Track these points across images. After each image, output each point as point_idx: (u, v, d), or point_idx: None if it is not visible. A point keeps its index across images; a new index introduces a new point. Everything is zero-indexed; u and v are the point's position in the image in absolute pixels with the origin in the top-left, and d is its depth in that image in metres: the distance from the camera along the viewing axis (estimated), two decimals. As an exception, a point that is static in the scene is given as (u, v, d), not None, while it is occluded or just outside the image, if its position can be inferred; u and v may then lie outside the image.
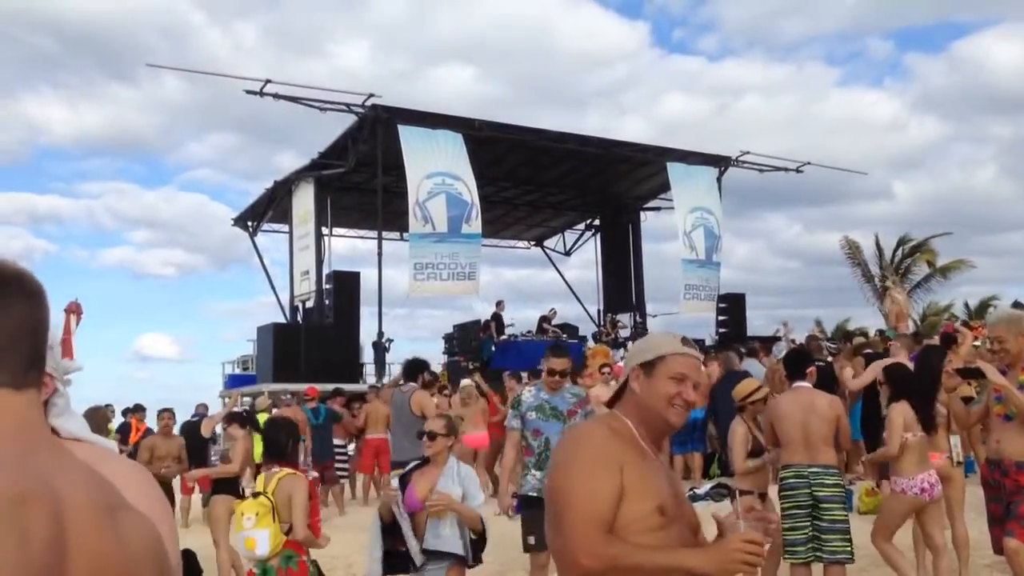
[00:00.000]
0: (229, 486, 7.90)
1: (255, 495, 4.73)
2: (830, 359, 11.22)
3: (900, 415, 5.78)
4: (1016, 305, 13.22)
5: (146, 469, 1.39)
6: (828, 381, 9.65)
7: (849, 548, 5.51)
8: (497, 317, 20.86)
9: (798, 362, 6.21)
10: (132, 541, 1.11)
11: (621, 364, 12.88)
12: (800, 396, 5.83)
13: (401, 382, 9.56)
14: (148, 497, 1.23)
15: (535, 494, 5.43)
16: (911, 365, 6.71)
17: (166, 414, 10.03)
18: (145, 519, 1.16)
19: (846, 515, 5.65)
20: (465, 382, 12.33)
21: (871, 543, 5.89)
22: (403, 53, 61.39)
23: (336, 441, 12.73)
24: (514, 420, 5.74)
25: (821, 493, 5.54)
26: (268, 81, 18.37)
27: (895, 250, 31.40)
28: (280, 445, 4.93)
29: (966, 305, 34.51)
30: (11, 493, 1.00)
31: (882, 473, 8.08)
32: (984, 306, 31.91)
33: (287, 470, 4.80)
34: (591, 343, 22.59)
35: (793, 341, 14.24)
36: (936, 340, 12.00)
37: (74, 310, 14.78)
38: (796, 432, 5.64)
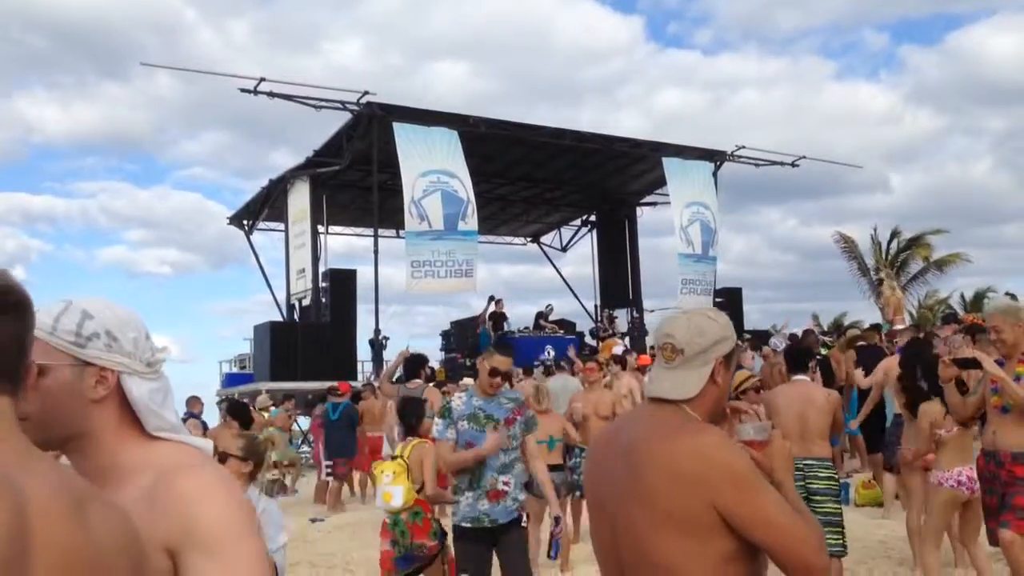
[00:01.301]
0: None
1: (393, 458, 5.77)
2: (824, 353, 11.25)
3: (927, 417, 5.90)
4: (1009, 296, 13.23)
5: (224, 476, 1.42)
6: (826, 375, 9.68)
7: (842, 541, 5.53)
8: (495, 314, 20.89)
9: (799, 356, 6.26)
10: (103, 535, 1.10)
11: (619, 353, 12.89)
12: (798, 389, 5.87)
13: (396, 377, 9.54)
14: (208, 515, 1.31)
15: (469, 524, 4.64)
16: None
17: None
18: (118, 513, 1.17)
19: (839, 508, 5.68)
20: (466, 381, 12.29)
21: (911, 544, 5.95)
22: (398, 49, 61.45)
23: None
24: (447, 430, 4.68)
25: (814, 486, 5.57)
26: (262, 79, 18.33)
27: (889, 242, 31.50)
28: (409, 422, 6.13)
29: (962, 297, 34.65)
30: None
31: (887, 466, 8.08)
32: (980, 297, 32.02)
33: (418, 439, 5.84)
34: (588, 339, 22.66)
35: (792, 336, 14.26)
36: (937, 330, 12.03)
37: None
38: (792, 424, 5.66)
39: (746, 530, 1.87)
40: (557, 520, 4.83)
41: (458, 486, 4.74)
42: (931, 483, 5.84)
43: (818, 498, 5.53)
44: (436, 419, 4.77)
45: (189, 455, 1.44)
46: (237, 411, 9.84)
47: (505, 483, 4.62)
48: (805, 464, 5.57)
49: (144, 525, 1.24)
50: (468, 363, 19.35)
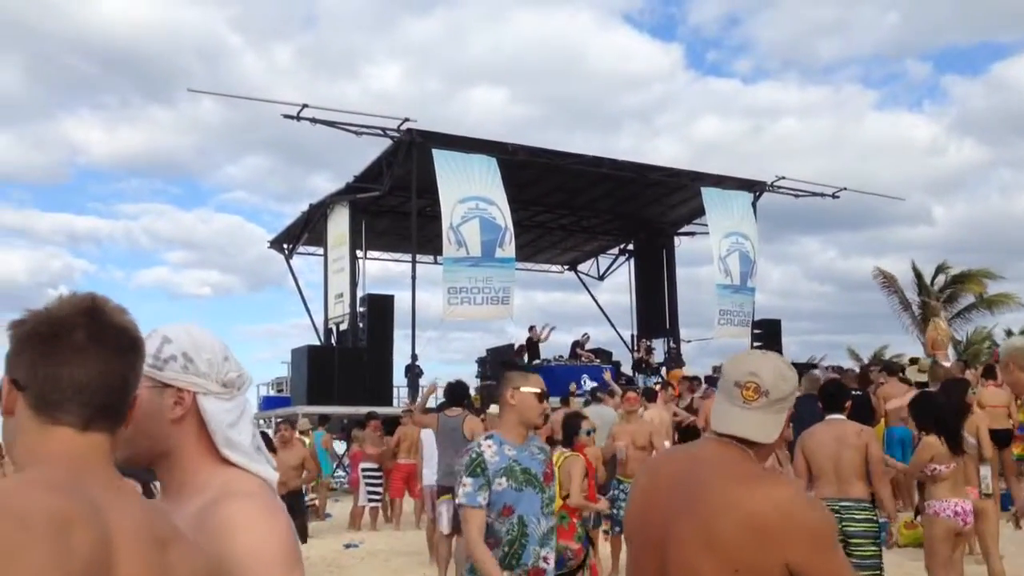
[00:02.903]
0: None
1: None
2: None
3: (929, 450, 5.88)
4: None
5: (273, 508, 1.44)
6: (865, 412, 9.50)
7: None
8: (531, 342, 20.86)
9: (836, 395, 6.12)
10: (182, 574, 1.18)
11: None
12: (833, 428, 5.77)
13: (440, 403, 9.52)
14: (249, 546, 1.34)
15: None
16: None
17: (284, 426, 10.47)
18: (198, 552, 1.24)
19: (877, 551, 5.55)
20: (492, 410, 12.21)
21: None
22: (436, 74, 62.04)
23: (367, 465, 12.74)
24: (479, 495, 3.55)
25: (851, 528, 5.45)
26: (305, 106, 18.58)
27: (934, 276, 31.02)
28: (568, 436, 6.85)
29: (1008, 332, 33.98)
30: (57, 513, 1.04)
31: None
32: (1026, 333, 31.38)
33: (570, 451, 6.54)
34: (626, 369, 22.52)
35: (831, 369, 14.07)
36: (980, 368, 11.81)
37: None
38: (827, 464, 5.58)
39: None
40: None
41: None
42: (927, 514, 5.86)
43: (856, 541, 5.41)
44: (465, 478, 3.59)
45: (247, 483, 1.47)
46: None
47: (546, 559, 3.67)
48: (842, 506, 5.46)
49: None
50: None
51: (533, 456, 3.74)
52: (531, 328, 21.27)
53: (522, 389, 3.71)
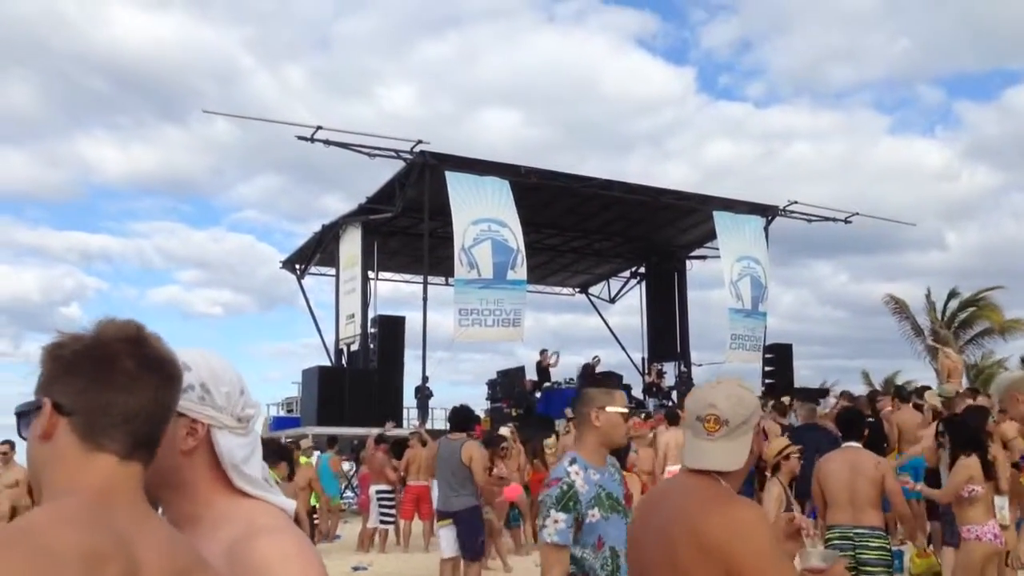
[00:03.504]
0: None
1: None
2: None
3: (967, 471, 5.88)
4: None
5: (304, 543, 1.42)
6: (878, 439, 9.45)
7: None
8: (540, 366, 20.92)
9: (853, 423, 6.12)
10: None
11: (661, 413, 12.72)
12: (848, 456, 5.76)
13: (425, 428, 9.51)
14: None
15: None
16: None
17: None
18: None
19: None
20: (504, 431, 12.17)
21: None
22: (449, 96, 62.35)
23: (379, 487, 12.72)
24: (567, 530, 3.18)
25: (865, 556, 5.44)
26: (319, 127, 18.72)
27: (946, 302, 30.92)
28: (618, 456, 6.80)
29: (1022, 360, 33.77)
30: (89, 550, 1.05)
31: (947, 537, 7.84)
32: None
33: (626, 472, 6.34)
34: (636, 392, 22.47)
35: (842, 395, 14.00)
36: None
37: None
38: (843, 492, 5.57)
39: None
40: None
41: None
42: (968, 539, 5.82)
43: (869, 568, 5.40)
44: (556, 513, 3.18)
45: (272, 516, 1.44)
46: (283, 453, 9.92)
47: None
48: (856, 533, 5.45)
49: None
50: (514, 412, 19.31)
51: (612, 478, 3.44)
52: (542, 352, 21.32)
53: (608, 409, 3.40)
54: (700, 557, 1.97)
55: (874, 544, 5.49)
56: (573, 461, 3.33)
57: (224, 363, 1.51)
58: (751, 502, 2.22)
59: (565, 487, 3.22)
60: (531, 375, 21.03)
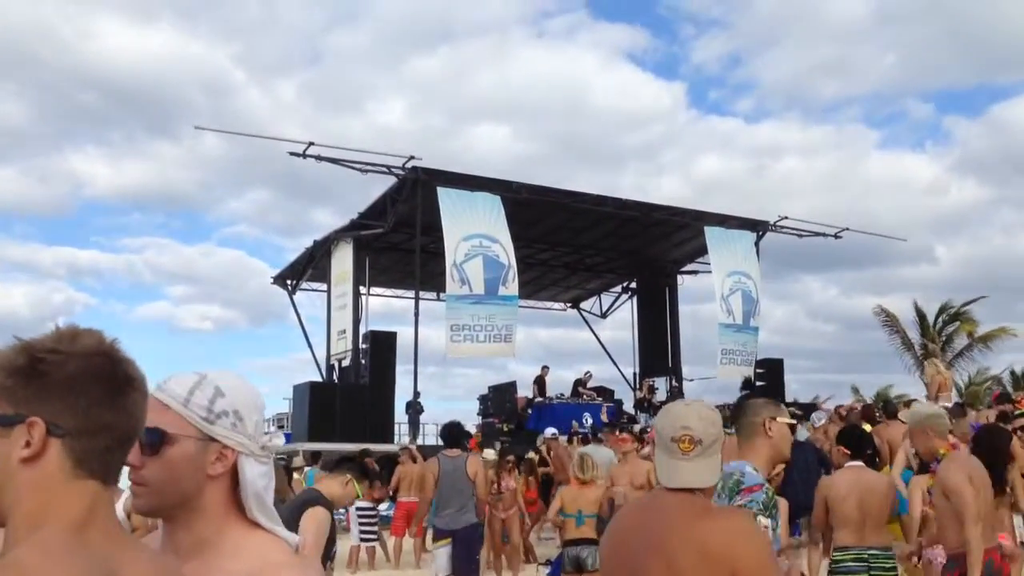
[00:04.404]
0: None
1: None
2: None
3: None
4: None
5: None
6: (874, 455, 9.47)
7: None
8: (540, 380, 20.98)
9: (859, 442, 6.11)
10: None
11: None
12: (856, 475, 5.73)
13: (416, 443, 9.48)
14: None
15: None
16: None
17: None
18: None
19: None
20: (488, 454, 12.05)
21: None
22: (440, 111, 62.54)
23: (362, 504, 12.64)
24: (776, 538, 3.02)
25: None
26: (311, 143, 18.75)
27: (937, 317, 30.99)
28: None
29: (1012, 373, 33.87)
30: None
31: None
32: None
33: None
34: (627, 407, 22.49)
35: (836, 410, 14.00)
36: (989, 412, 11.75)
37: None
38: (854, 513, 5.54)
39: None
40: None
41: None
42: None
43: None
44: (761, 517, 2.94)
45: (284, 552, 1.44)
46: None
47: None
48: (870, 554, 5.44)
49: None
50: (505, 428, 19.30)
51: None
52: (544, 368, 21.60)
53: (778, 419, 3.25)
54: (703, 565, 2.09)
55: (888, 564, 5.49)
56: (755, 469, 3.15)
57: (254, 390, 1.52)
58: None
59: (770, 493, 3.04)
60: (526, 389, 21.08)
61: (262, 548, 1.41)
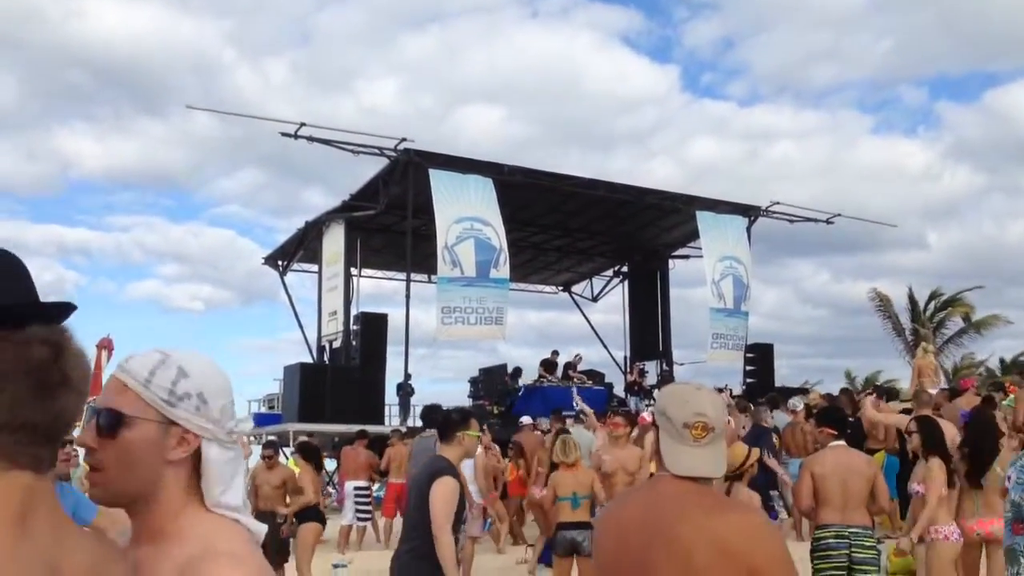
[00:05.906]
0: (312, 514, 8.98)
1: None
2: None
3: (942, 472, 6.01)
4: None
5: (262, 570, 1.34)
6: (859, 437, 9.54)
7: None
8: (548, 362, 21.19)
9: (840, 421, 6.21)
10: None
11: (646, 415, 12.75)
12: (839, 455, 5.81)
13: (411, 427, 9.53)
14: None
15: None
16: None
17: (269, 451, 10.11)
18: None
19: None
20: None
21: None
22: (432, 92, 62.26)
23: (358, 483, 12.70)
24: None
25: (860, 555, 5.50)
26: (303, 124, 18.67)
27: (927, 303, 31.12)
28: None
29: (1001, 361, 34.06)
30: None
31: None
32: (1017, 361, 31.46)
33: None
34: (618, 390, 22.56)
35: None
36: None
37: (106, 345, 15.02)
38: (836, 491, 5.61)
39: None
40: None
41: None
42: (935, 538, 6.00)
43: (863, 567, 5.48)
44: None
45: (233, 539, 1.35)
46: (310, 453, 9.97)
47: None
48: (851, 532, 5.51)
49: None
50: (495, 411, 19.33)
51: None
52: (554, 352, 21.73)
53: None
54: (721, 561, 2.01)
55: (868, 543, 5.58)
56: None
57: (221, 372, 1.45)
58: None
59: None
60: (532, 373, 21.28)
61: (210, 535, 1.33)
